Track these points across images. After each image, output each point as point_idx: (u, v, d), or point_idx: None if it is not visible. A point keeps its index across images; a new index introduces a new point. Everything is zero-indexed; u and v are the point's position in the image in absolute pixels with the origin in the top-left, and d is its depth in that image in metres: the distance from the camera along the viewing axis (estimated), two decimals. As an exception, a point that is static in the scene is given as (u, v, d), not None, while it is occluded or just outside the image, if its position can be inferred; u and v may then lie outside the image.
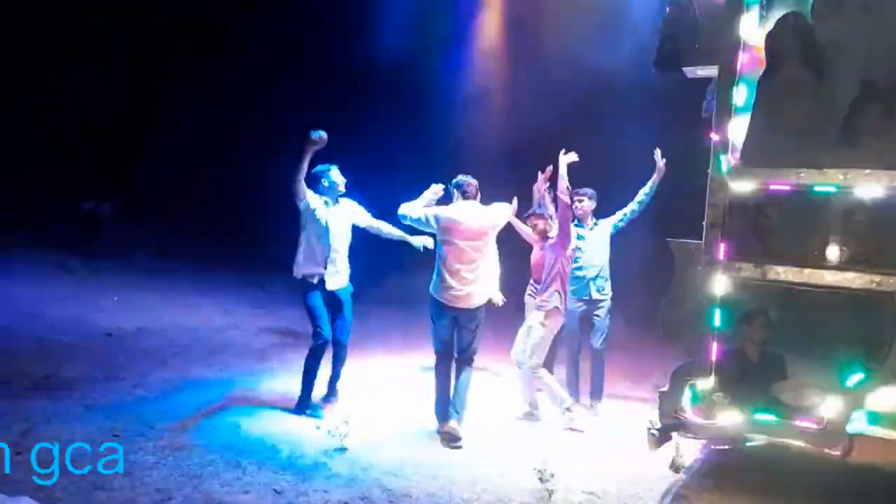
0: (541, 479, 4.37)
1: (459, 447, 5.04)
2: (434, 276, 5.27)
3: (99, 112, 15.76)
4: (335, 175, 5.59)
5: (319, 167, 5.57)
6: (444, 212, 5.24)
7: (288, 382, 6.16)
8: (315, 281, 5.50)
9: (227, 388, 5.98)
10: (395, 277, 9.77)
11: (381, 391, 6.35)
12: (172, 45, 15.64)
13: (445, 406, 5.25)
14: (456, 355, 5.34)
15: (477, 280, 5.23)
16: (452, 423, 5.14)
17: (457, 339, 5.31)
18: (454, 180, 5.39)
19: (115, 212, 13.80)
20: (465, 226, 5.18)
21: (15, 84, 14.88)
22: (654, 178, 5.95)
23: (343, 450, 4.76)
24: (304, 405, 5.52)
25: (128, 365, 6.33)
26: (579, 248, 5.87)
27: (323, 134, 5.28)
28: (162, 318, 8.35)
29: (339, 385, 5.71)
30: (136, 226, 13.36)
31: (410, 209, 5.27)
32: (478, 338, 5.35)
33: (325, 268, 5.50)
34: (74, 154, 15.37)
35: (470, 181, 5.35)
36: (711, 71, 4.25)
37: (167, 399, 5.54)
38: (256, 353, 7.31)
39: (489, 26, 11.81)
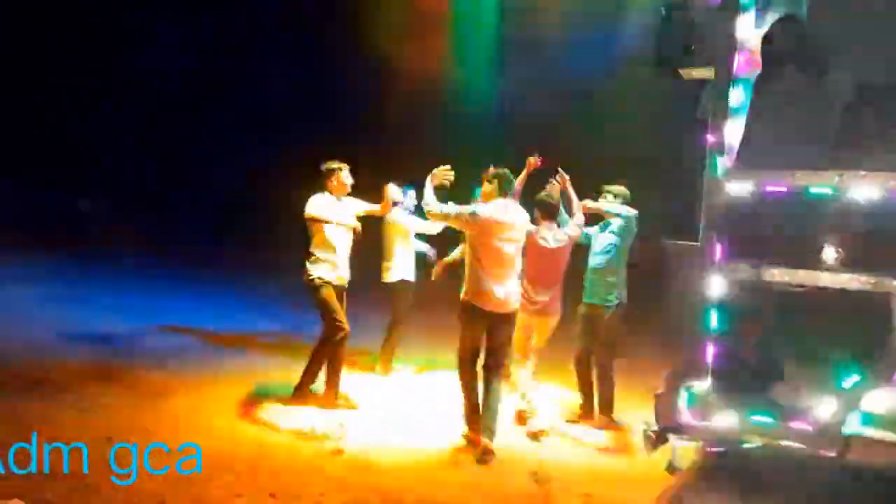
0: (536, 482, 4.36)
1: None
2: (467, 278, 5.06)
3: (96, 112, 15.79)
4: (345, 175, 5.71)
5: (331, 165, 5.69)
6: (484, 209, 4.99)
7: (283, 384, 6.13)
8: (327, 278, 5.64)
9: (221, 391, 5.96)
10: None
11: (377, 394, 6.33)
12: (170, 46, 15.67)
13: (475, 416, 5.05)
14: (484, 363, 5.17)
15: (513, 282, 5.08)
16: (485, 440, 4.92)
17: (486, 346, 5.15)
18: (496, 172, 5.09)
19: (111, 211, 13.81)
20: (508, 225, 4.99)
21: (15, 84, 14.91)
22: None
23: (339, 453, 4.74)
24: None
25: (122, 367, 6.31)
26: None
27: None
28: (157, 319, 8.33)
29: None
30: (132, 226, 13.35)
31: (435, 203, 5.01)
32: (509, 343, 5.20)
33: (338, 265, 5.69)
34: (73, 154, 15.39)
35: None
36: (707, 72, 4.24)
37: (161, 401, 5.52)
38: (251, 355, 7.28)
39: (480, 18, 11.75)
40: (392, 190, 6.36)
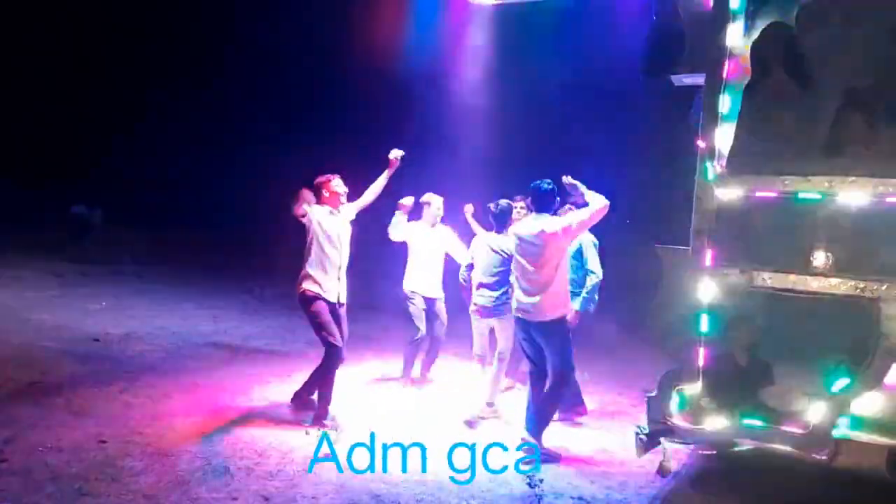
0: (529, 484, 4.39)
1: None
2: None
3: (93, 117, 15.74)
4: (334, 185, 5.59)
5: (320, 178, 5.61)
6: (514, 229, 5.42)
7: (277, 388, 6.15)
8: (319, 292, 5.44)
9: (215, 394, 5.95)
10: (383, 283, 9.76)
11: (370, 397, 6.34)
12: (166, 50, 15.64)
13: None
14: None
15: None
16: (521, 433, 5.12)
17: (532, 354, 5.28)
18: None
19: (104, 216, 13.74)
20: (520, 239, 5.20)
21: (14, 85, 14.83)
22: None
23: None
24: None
25: (115, 370, 6.29)
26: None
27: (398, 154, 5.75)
28: (150, 323, 8.31)
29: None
30: (125, 230, 13.31)
31: None
32: (556, 354, 5.10)
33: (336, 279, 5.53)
34: (68, 157, 15.32)
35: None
36: (698, 79, 4.30)
37: (155, 404, 5.51)
38: (245, 359, 7.27)
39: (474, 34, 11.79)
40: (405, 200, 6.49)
